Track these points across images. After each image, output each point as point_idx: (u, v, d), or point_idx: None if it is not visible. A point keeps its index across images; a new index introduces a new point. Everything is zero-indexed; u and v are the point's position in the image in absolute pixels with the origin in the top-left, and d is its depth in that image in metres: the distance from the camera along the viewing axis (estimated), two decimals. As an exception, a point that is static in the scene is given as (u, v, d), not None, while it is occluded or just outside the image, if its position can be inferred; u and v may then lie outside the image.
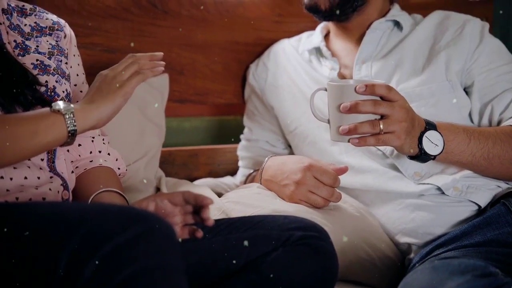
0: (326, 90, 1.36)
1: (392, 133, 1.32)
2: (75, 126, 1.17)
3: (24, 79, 1.27)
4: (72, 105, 1.17)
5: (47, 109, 1.18)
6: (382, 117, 1.32)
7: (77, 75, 1.46)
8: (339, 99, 1.32)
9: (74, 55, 1.46)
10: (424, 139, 1.38)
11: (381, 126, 1.31)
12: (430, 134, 1.39)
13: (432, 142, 1.39)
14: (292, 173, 1.53)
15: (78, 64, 1.47)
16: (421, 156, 1.39)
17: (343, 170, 1.51)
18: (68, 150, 1.38)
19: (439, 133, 1.39)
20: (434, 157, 1.40)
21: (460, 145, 1.43)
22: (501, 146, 1.46)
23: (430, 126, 1.39)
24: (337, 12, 1.64)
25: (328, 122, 1.37)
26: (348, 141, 1.32)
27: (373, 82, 1.33)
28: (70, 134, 1.17)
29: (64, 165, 1.33)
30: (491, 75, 1.58)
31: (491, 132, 1.47)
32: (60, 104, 1.17)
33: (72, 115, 1.16)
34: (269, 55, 1.84)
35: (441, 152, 1.39)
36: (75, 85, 1.45)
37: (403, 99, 1.34)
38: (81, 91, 1.46)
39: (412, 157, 1.41)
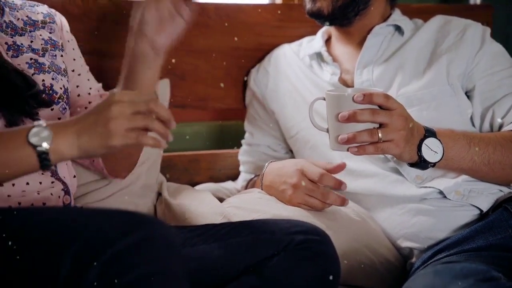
0: (324, 99, 1.36)
1: (391, 141, 1.32)
2: (48, 161, 1.07)
3: (27, 87, 1.25)
4: (49, 135, 1.07)
5: (24, 134, 1.07)
6: (381, 125, 1.32)
7: (74, 59, 1.44)
8: (337, 108, 1.32)
9: (68, 41, 1.44)
10: (424, 147, 1.38)
11: (380, 134, 1.31)
12: (430, 142, 1.38)
13: (432, 150, 1.38)
14: (289, 177, 1.53)
15: (73, 49, 1.45)
16: (421, 163, 1.39)
17: (341, 167, 1.51)
18: None
19: (439, 140, 1.39)
20: (433, 164, 1.39)
21: (460, 151, 1.43)
22: (501, 151, 1.46)
23: (429, 133, 1.39)
24: (341, 14, 1.64)
25: (327, 131, 1.37)
26: (347, 150, 1.33)
27: (370, 91, 1.33)
28: (42, 168, 1.09)
29: (66, 169, 1.33)
30: (492, 79, 1.58)
31: (491, 138, 1.47)
32: (36, 133, 1.07)
33: (45, 150, 1.06)
34: (270, 60, 1.84)
35: (441, 159, 1.39)
36: (73, 70, 1.43)
37: (401, 107, 1.34)
38: (79, 74, 1.44)
39: (412, 164, 1.41)
